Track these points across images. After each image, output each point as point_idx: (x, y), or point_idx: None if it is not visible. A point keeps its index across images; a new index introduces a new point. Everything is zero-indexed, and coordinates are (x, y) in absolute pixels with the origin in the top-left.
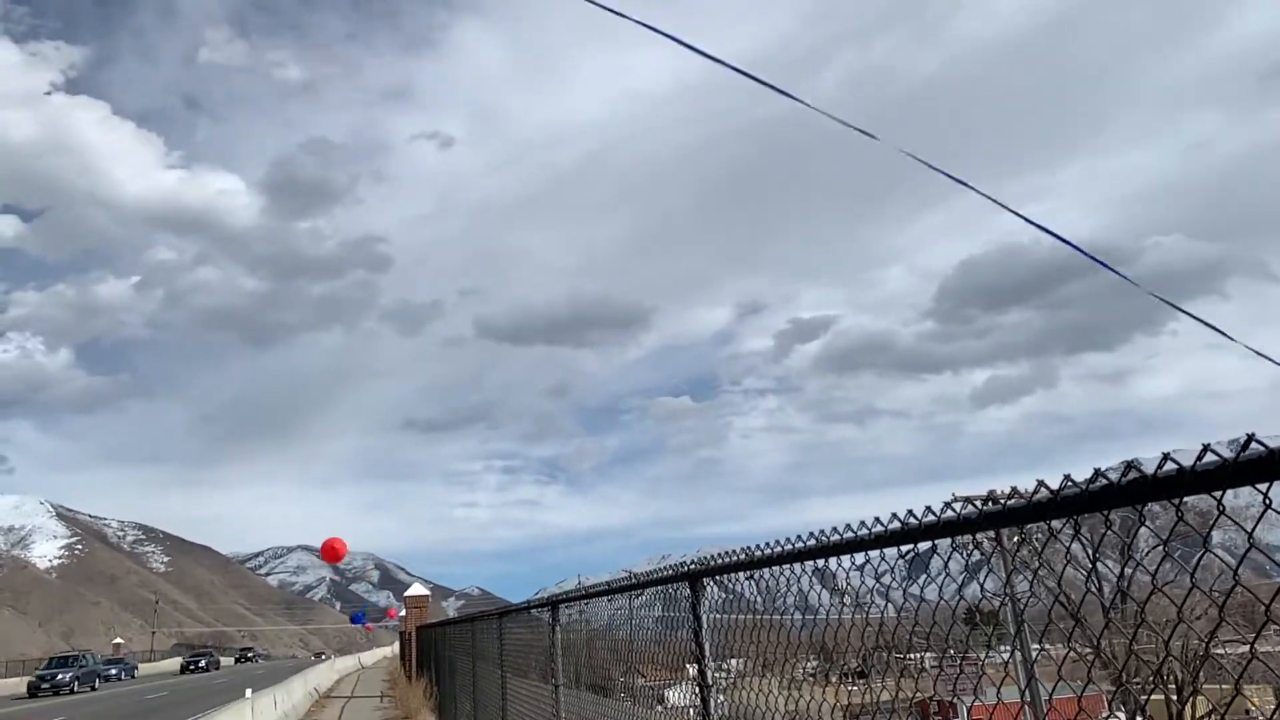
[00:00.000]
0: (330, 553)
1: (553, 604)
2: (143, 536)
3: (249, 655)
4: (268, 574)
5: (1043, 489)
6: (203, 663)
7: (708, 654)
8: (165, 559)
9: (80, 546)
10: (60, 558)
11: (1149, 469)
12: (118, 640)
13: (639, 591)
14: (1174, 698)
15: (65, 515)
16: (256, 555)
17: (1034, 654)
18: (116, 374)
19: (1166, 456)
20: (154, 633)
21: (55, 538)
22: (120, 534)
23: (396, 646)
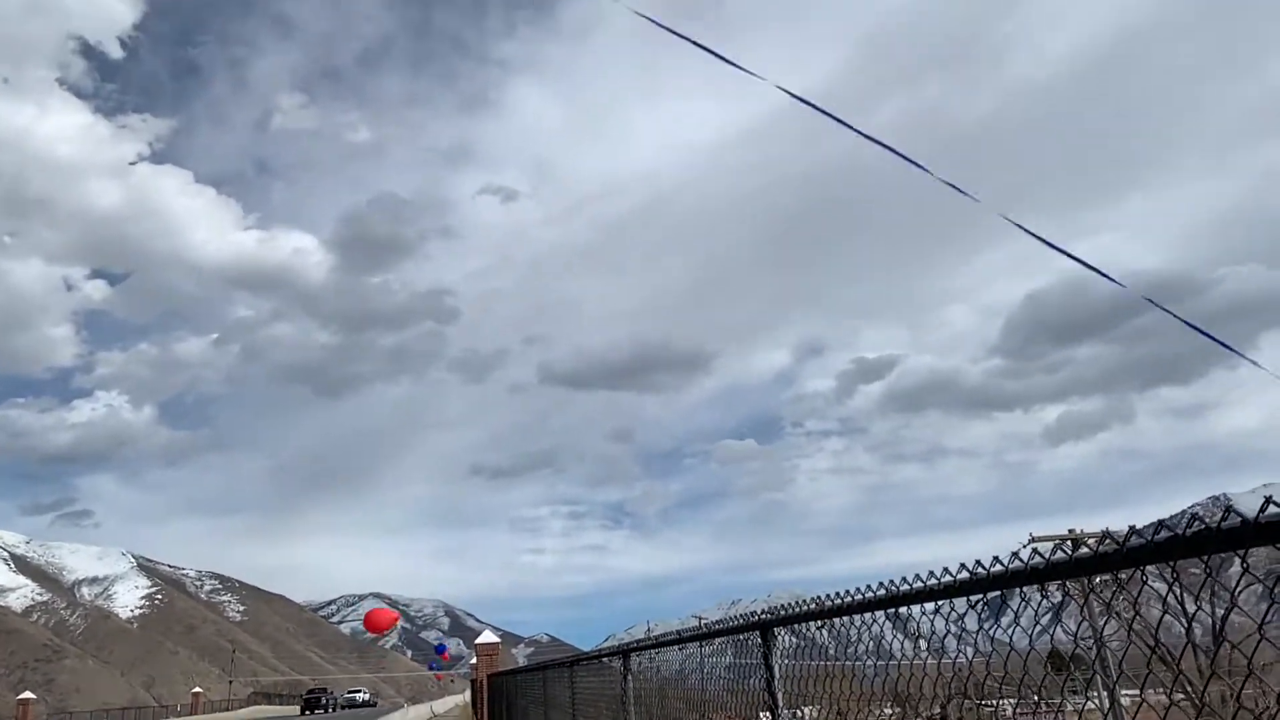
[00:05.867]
0: (372, 624)
1: (624, 652)
2: (219, 586)
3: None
4: (340, 622)
5: (1109, 540)
6: (322, 700)
7: (780, 703)
8: (241, 608)
9: (160, 596)
10: (141, 607)
11: (1212, 520)
12: (196, 690)
13: (710, 639)
14: None
15: (146, 566)
16: (329, 603)
17: (1115, 692)
18: (196, 429)
19: (1268, 500)
20: (231, 681)
21: (136, 588)
22: (198, 584)
23: (468, 694)
